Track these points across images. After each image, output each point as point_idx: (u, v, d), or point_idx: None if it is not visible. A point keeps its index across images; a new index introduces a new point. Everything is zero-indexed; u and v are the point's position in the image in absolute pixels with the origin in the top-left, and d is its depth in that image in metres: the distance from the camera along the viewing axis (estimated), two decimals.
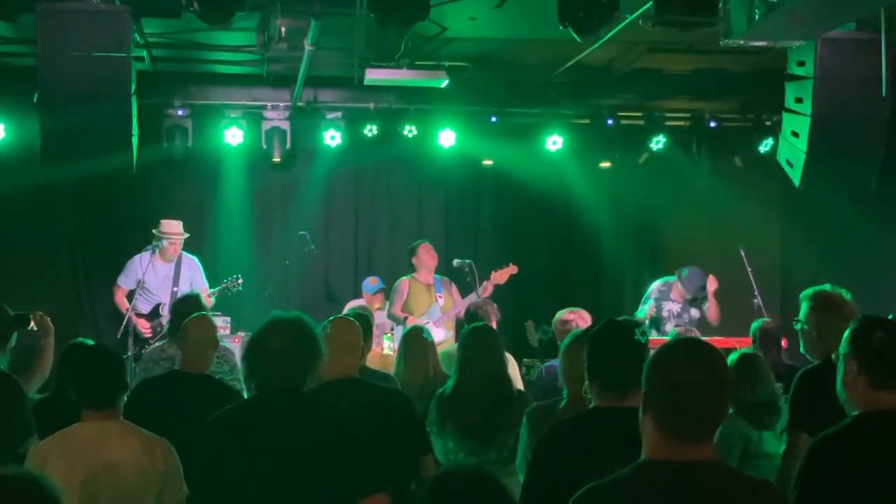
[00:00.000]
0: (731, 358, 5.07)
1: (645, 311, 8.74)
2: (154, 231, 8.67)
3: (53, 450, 3.59)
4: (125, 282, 8.71)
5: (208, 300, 8.03)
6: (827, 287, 4.37)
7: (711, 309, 8.75)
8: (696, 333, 6.15)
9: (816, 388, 4.08)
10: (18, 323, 4.85)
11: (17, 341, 4.83)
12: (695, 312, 8.90)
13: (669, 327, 8.71)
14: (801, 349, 4.43)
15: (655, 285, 8.96)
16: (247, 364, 3.37)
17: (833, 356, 3.17)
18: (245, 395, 5.01)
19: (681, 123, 9.97)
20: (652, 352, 2.46)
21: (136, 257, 8.69)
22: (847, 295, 4.31)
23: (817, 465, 2.88)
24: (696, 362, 2.36)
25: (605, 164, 10.19)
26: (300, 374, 3.31)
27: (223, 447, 3.25)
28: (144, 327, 8.47)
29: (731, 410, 4.84)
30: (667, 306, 8.89)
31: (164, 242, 8.59)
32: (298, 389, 3.31)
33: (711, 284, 8.72)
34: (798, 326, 4.39)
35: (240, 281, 8.59)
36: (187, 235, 8.75)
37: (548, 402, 4.55)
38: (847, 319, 4.20)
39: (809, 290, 4.38)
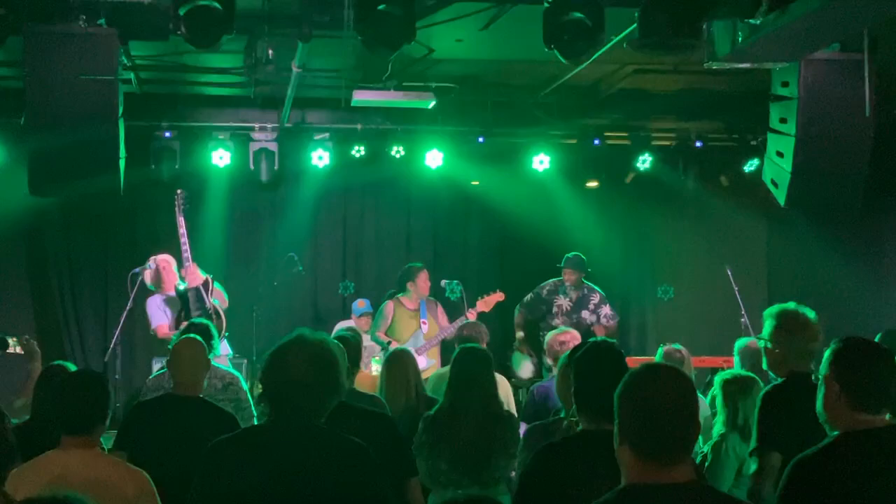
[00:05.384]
0: (724, 376, 5.03)
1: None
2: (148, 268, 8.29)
3: (24, 477, 3.51)
4: (161, 318, 8.13)
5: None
6: (792, 305, 4.36)
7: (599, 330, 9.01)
8: (683, 354, 6.11)
9: (782, 406, 4.10)
10: None
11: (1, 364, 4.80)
12: (585, 315, 9.09)
13: (558, 322, 8.90)
14: (764, 366, 4.44)
15: (547, 283, 9.28)
16: (263, 387, 3.16)
17: (814, 375, 3.18)
18: (237, 417, 5.02)
19: (667, 143, 10.02)
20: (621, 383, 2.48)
21: (150, 301, 8.22)
22: (811, 314, 4.32)
23: (799, 484, 2.89)
24: (663, 387, 2.41)
25: (592, 184, 10.22)
26: (319, 407, 3.12)
27: (227, 473, 3.06)
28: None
29: (724, 430, 4.83)
30: (557, 301, 9.18)
31: (166, 269, 8.23)
32: (314, 422, 3.12)
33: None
34: (762, 344, 4.40)
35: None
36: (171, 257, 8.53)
37: (546, 421, 4.56)
38: (811, 339, 4.24)
39: (774, 309, 4.39)
